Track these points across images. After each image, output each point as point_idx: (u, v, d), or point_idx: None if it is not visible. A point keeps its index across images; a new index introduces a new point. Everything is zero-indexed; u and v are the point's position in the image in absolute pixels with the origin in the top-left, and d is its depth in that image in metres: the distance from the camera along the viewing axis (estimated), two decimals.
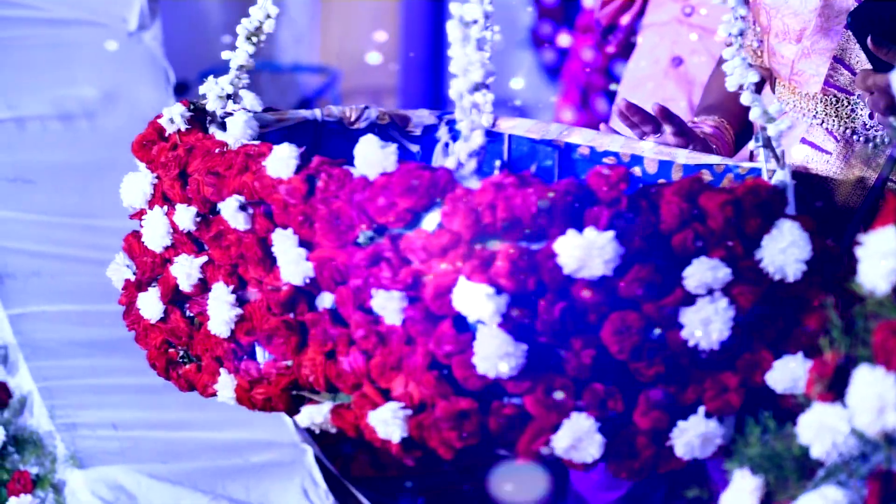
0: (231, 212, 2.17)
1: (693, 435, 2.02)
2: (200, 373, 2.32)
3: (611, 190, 1.98)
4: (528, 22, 5.15)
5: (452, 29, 2.03)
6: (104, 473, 3.14)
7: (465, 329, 1.99)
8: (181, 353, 2.37)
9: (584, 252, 1.93)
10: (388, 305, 2.01)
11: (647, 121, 2.49)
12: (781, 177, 2.13)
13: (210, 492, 3.20)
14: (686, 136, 2.51)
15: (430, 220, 2.01)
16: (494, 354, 1.95)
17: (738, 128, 2.67)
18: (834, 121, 2.47)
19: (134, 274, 2.45)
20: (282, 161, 2.13)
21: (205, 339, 2.29)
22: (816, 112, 2.49)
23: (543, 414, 1.99)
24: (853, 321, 1.85)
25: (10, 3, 3.40)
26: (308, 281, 2.11)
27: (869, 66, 2.30)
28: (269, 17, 2.37)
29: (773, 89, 2.62)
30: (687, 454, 2.02)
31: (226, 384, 2.25)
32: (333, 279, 2.08)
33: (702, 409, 2.02)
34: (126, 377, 3.21)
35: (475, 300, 1.95)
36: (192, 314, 2.32)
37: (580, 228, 1.95)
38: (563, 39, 4.85)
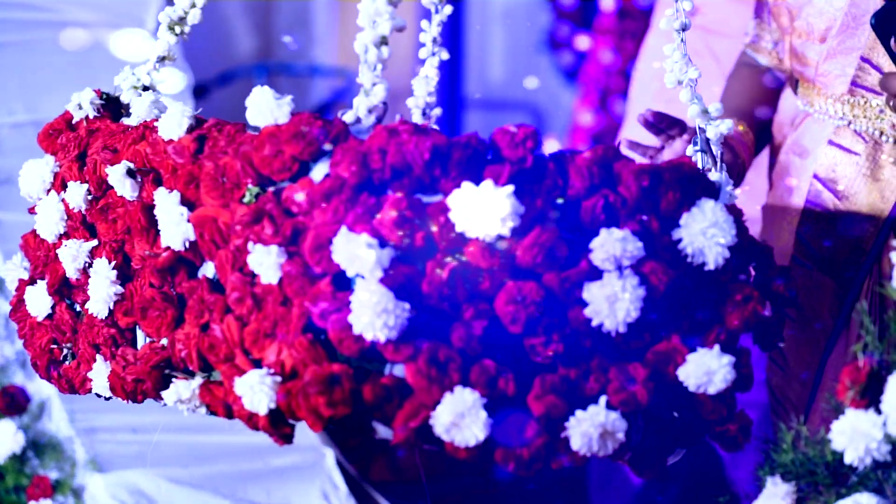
0: (118, 178, 2.01)
1: (591, 426, 1.80)
2: (79, 368, 2.12)
3: (516, 147, 1.82)
4: (546, 24, 5.07)
5: None
6: (124, 478, 3.09)
7: (345, 288, 1.80)
8: (65, 351, 2.18)
9: (479, 207, 1.76)
10: (265, 261, 1.84)
11: (672, 125, 2.34)
12: (716, 178, 1.97)
13: (230, 495, 3.16)
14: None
15: (318, 172, 1.84)
16: (372, 311, 1.75)
17: (757, 131, 2.54)
18: (862, 121, 2.33)
19: (28, 272, 2.28)
20: (174, 121, 1.99)
21: (87, 331, 2.10)
22: (844, 113, 2.35)
23: (424, 386, 1.78)
24: (887, 326, 1.81)
25: (29, 6, 3.38)
26: (188, 245, 1.94)
27: (893, 69, 2.18)
28: (194, 5, 2.25)
29: (794, 91, 2.49)
30: (584, 448, 1.80)
31: (100, 372, 2.06)
32: (214, 242, 1.90)
33: (603, 400, 1.81)
34: None
35: (356, 252, 1.77)
36: (77, 305, 2.14)
37: (478, 183, 1.78)
38: (581, 42, 4.75)
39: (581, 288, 1.80)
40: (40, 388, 3.18)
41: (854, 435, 1.77)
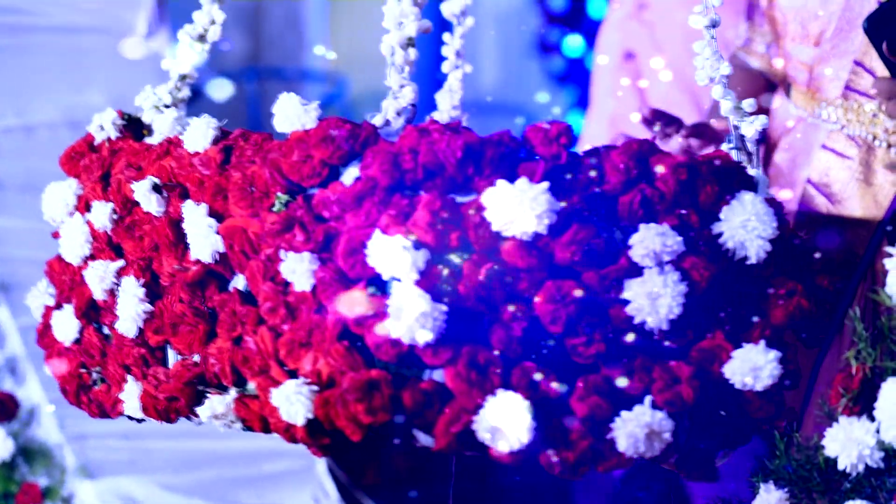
0: (143, 193, 1.98)
1: (637, 427, 1.75)
2: (110, 391, 2.08)
3: (550, 144, 1.78)
4: (537, 28, 5.05)
5: None
6: (114, 484, 3.06)
7: (380, 293, 1.76)
8: (94, 376, 2.14)
9: (515, 204, 1.72)
10: (298, 269, 1.80)
11: (669, 123, 2.33)
12: (754, 172, 1.93)
13: (221, 501, 3.13)
14: (704, 137, 2.36)
15: (349, 176, 1.81)
16: (409, 315, 1.71)
17: None
18: (856, 126, 2.29)
19: (54, 298, 2.24)
20: (199, 133, 1.96)
21: (117, 353, 2.06)
22: (837, 118, 2.32)
23: (465, 390, 1.74)
24: (880, 332, 1.78)
25: (18, 10, 3.35)
26: (218, 257, 1.90)
27: (887, 72, 2.15)
28: (213, 23, 2.22)
29: (787, 95, 2.45)
30: (630, 450, 1.76)
31: (132, 392, 2.02)
32: (244, 252, 1.87)
33: (648, 400, 1.76)
34: None
35: (390, 254, 1.73)
36: (105, 328, 2.11)
37: (512, 181, 1.74)
38: (571, 47, 4.73)
39: (621, 285, 1.76)
40: (30, 395, 3.15)
41: (847, 441, 1.75)
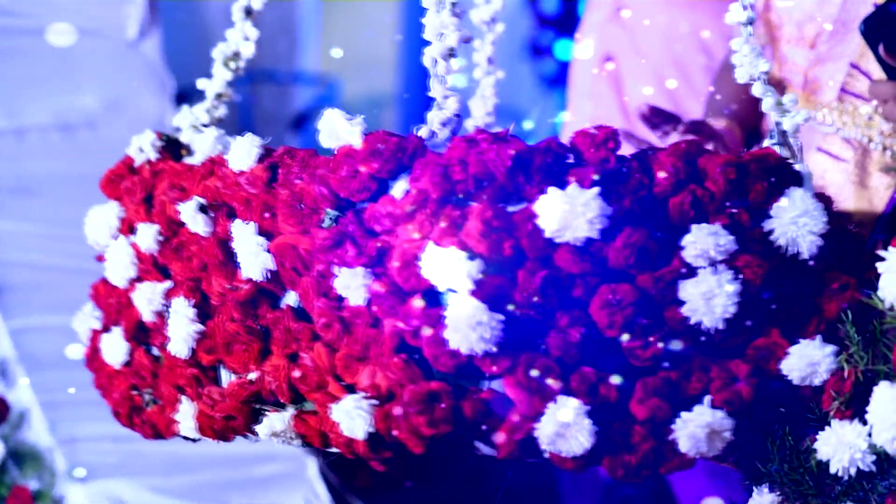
0: (190, 214, 1.99)
1: (697, 427, 1.75)
2: (163, 412, 2.09)
3: (598, 149, 1.79)
4: (528, 31, 5.03)
5: None
6: (105, 487, 3.06)
7: (435, 304, 1.77)
8: (146, 397, 2.15)
9: (566, 211, 1.72)
10: (352, 283, 1.80)
11: (668, 120, 2.36)
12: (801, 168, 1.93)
13: None
14: (702, 135, 2.37)
15: (398, 189, 1.81)
16: (467, 325, 1.72)
17: (746, 131, 2.51)
18: (851, 129, 2.30)
19: (100, 321, 2.25)
20: (243, 152, 1.96)
21: (168, 374, 2.07)
22: (832, 120, 2.32)
23: (525, 398, 1.75)
24: (873, 336, 1.77)
25: (10, 12, 3.34)
26: (269, 275, 1.90)
27: (883, 75, 2.15)
28: (247, 39, 2.23)
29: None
30: (692, 450, 1.76)
31: (186, 413, 2.03)
32: (295, 269, 1.87)
33: (707, 399, 1.76)
34: None
35: (445, 266, 1.73)
36: (155, 349, 2.11)
37: (562, 188, 1.75)
38: (563, 50, 4.72)
39: (676, 287, 1.76)
40: (20, 398, 3.14)
41: (839, 445, 1.75)
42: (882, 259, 1.76)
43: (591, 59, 3.40)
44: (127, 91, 3.35)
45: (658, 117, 2.37)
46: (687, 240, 1.76)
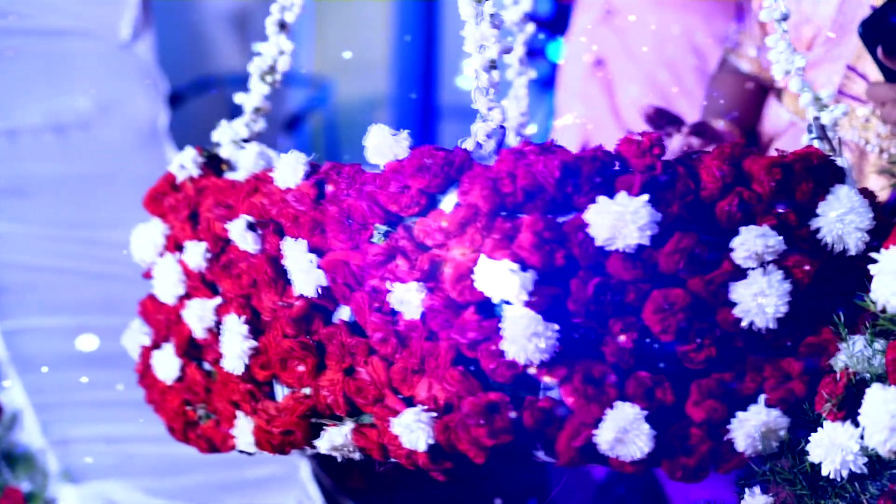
0: (239, 232, 2.01)
1: (753, 427, 1.78)
2: (219, 426, 2.12)
3: (643, 155, 1.80)
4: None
5: (464, 6, 1.90)
6: (98, 489, 3.02)
7: (490, 316, 1.79)
8: (200, 412, 2.18)
9: (617, 219, 1.74)
10: (406, 298, 1.83)
11: (671, 122, 2.38)
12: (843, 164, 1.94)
13: None
14: (705, 137, 2.39)
15: (448, 202, 1.83)
16: (523, 336, 1.74)
17: (745, 132, 2.54)
18: (848, 131, 2.32)
19: (150, 337, 2.27)
20: (289, 169, 1.98)
21: (222, 389, 2.09)
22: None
23: (583, 405, 1.77)
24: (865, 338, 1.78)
25: (1, 13, 3.30)
26: (321, 291, 1.93)
27: (880, 77, 2.16)
28: (282, 53, 2.24)
29: (779, 99, 2.47)
30: (749, 449, 1.79)
31: (243, 428, 2.05)
32: (348, 285, 1.89)
33: (762, 398, 1.79)
34: (121, 391, 3.03)
35: (498, 278, 1.75)
36: (208, 364, 2.14)
37: (611, 196, 1.77)
38: (556, 52, 4.71)
39: (727, 289, 1.78)
40: (12, 399, 3.13)
41: (831, 447, 1.75)
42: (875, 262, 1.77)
43: (581, 61, 3.40)
44: (120, 92, 3.34)
45: (662, 119, 2.39)
46: (736, 242, 1.78)
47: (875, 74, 2.22)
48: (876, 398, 1.71)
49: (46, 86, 3.30)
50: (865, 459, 1.74)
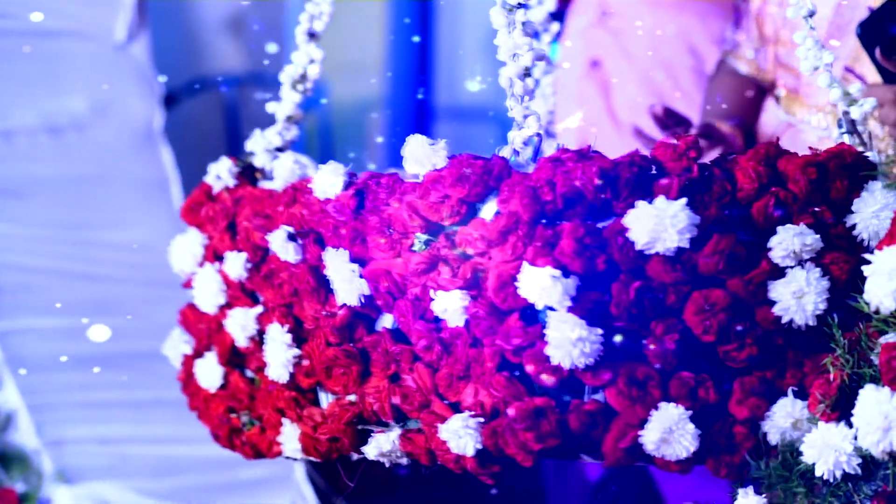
0: (280, 243, 2.03)
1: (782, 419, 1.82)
2: (264, 433, 2.15)
3: (679, 159, 1.83)
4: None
5: (496, 15, 1.93)
6: (92, 490, 3.05)
7: (534, 321, 1.82)
8: (244, 419, 2.21)
9: (656, 223, 1.77)
10: (450, 306, 1.86)
11: (679, 123, 2.42)
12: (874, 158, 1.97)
13: None
14: (712, 139, 2.44)
15: (487, 211, 1.86)
16: (567, 341, 1.77)
17: (746, 132, 2.57)
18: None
19: (191, 346, 2.31)
20: (328, 179, 2.01)
21: (266, 396, 2.13)
22: (826, 124, 2.37)
23: (628, 407, 1.80)
24: (858, 339, 1.79)
25: None
26: (364, 300, 1.96)
27: (878, 79, 2.19)
28: (312, 62, 2.27)
29: (777, 101, 2.50)
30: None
31: (289, 435, 2.09)
32: (390, 293, 1.92)
33: (791, 391, 1.83)
34: (115, 392, 3.11)
35: (541, 285, 1.78)
36: (251, 373, 2.17)
37: (649, 200, 1.79)
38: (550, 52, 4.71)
39: (766, 288, 1.81)
40: (7, 400, 3.14)
41: (825, 448, 1.75)
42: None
43: (577, 63, 3.40)
44: (115, 94, 3.34)
45: (670, 119, 2.41)
46: (774, 241, 1.81)
47: (873, 76, 2.24)
48: (869, 399, 1.72)
49: (42, 87, 3.31)
50: (859, 460, 1.74)
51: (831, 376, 1.78)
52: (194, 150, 4.25)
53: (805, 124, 2.42)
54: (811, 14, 2.06)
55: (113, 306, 3.13)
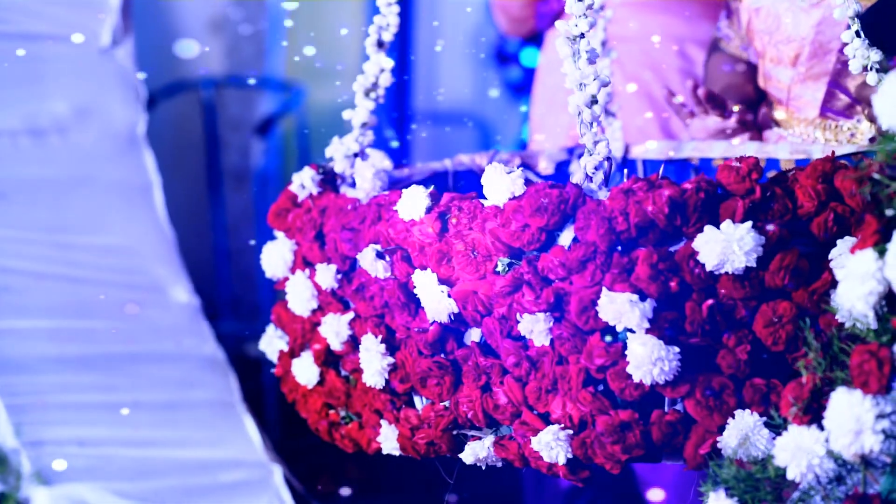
0: (369, 261, 2.18)
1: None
2: (362, 429, 2.32)
3: (742, 181, 1.96)
4: (495, 38, 5.03)
5: (561, 46, 2.04)
6: (70, 491, 3.03)
7: (615, 340, 1.97)
8: (342, 413, 2.38)
9: (724, 246, 1.91)
10: (535, 328, 2.01)
11: (717, 106, 2.52)
12: None
13: None
14: (746, 126, 2.55)
15: (565, 237, 2.00)
16: (648, 361, 1.92)
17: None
18: (835, 145, 2.43)
19: (286, 343, 2.47)
20: (413, 203, 2.14)
21: (362, 395, 2.29)
22: (816, 137, 2.46)
23: (706, 416, 1.96)
24: (830, 343, 1.86)
25: None
26: (453, 317, 2.11)
27: (862, 91, 2.30)
28: (383, 70, 2.39)
29: (770, 112, 2.59)
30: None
31: (388, 435, 2.25)
32: (478, 311, 2.07)
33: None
34: (95, 394, 3.12)
35: (620, 309, 1.93)
36: (346, 372, 2.33)
37: (716, 223, 1.93)
38: (529, 57, 4.72)
39: (829, 297, 1.95)
40: None
41: (797, 451, 1.79)
42: None
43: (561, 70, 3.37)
44: (98, 98, 3.36)
45: (710, 102, 2.52)
46: (834, 253, 1.94)
47: (857, 90, 2.36)
48: (841, 402, 1.74)
49: (25, 90, 3.29)
50: (832, 463, 1.78)
51: (803, 379, 1.85)
52: (172, 150, 4.28)
53: (795, 136, 2.51)
54: (857, 14, 2.16)
55: (92, 308, 3.14)
